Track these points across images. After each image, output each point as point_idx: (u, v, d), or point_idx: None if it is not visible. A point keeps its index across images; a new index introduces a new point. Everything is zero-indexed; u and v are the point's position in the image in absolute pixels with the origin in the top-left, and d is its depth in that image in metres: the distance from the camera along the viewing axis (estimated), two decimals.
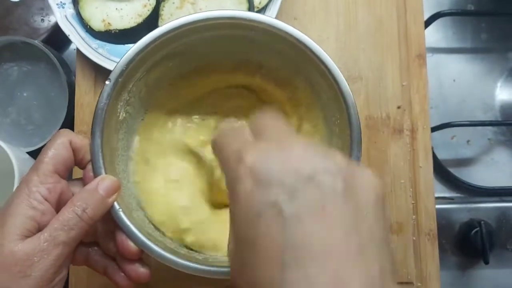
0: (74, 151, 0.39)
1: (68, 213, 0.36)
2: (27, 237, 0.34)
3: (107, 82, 0.41)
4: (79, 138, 0.40)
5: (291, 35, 0.42)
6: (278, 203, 0.24)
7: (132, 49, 0.41)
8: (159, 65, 0.45)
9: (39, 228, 0.35)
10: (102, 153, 0.40)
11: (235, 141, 0.30)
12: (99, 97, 0.41)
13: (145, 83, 0.46)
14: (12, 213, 0.35)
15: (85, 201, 0.37)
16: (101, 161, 0.40)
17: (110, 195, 0.39)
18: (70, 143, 0.39)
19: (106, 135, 0.41)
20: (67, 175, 0.40)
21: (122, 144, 0.46)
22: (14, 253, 0.33)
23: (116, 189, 0.39)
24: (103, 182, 0.39)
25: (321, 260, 0.23)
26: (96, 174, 0.40)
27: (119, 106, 0.44)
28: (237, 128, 0.32)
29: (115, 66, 0.41)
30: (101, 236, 0.42)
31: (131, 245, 0.39)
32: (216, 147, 0.32)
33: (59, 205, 0.37)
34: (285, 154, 0.26)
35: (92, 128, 0.40)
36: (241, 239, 0.26)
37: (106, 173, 0.40)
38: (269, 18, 0.43)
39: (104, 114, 0.41)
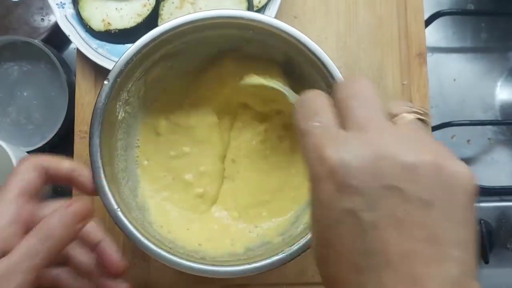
0: (47, 169, 0.37)
1: (32, 239, 0.34)
2: None
3: (105, 82, 0.41)
4: (54, 160, 0.38)
5: (289, 35, 0.42)
6: (358, 212, 0.24)
7: (130, 48, 0.42)
8: (158, 65, 0.45)
9: (3, 254, 0.33)
10: (100, 153, 0.40)
11: (316, 126, 0.27)
12: (97, 97, 0.41)
13: (144, 83, 0.46)
14: None
15: (51, 227, 0.34)
16: (99, 161, 0.40)
17: (79, 221, 0.35)
18: (39, 165, 0.37)
19: (104, 135, 0.41)
20: (39, 196, 0.38)
21: (121, 144, 0.46)
22: None
23: (86, 215, 0.36)
24: (73, 206, 0.35)
25: (395, 265, 0.23)
26: (95, 174, 0.40)
27: (118, 106, 0.44)
28: (319, 106, 0.28)
29: (114, 66, 0.41)
30: (74, 249, 0.39)
31: (118, 259, 0.38)
32: (297, 127, 0.29)
33: (27, 228, 0.35)
34: (368, 153, 0.24)
35: (90, 128, 0.40)
36: (321, 238, 0.26)
37: (105, 174, 0.40)
38: (268, 17, 0.43)
39: (103, 114, 0.41)
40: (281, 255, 0.40)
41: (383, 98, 0.55)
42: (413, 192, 0.24)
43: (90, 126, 0.40)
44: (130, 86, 0.44)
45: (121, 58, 0.41)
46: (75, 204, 0.36)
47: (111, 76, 0.41)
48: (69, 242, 0.35)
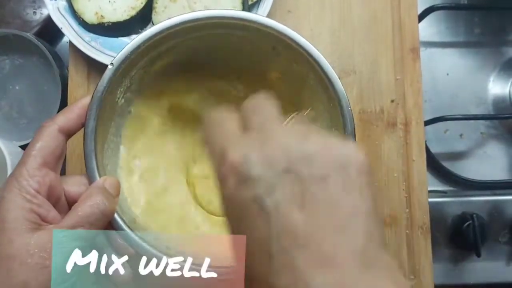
0: (69, 128, 0.38)
1: (89, 208, 0.35)
2: (35, 229, 0.33)
3: (109, 66, 0.41)
4: (68, 115, 0.39)
5: (280, 32, 0.42)
6: (259, 198, 0.25)
7: (141, 35, 0.41)
8: (161, 58, 0.45)
9: (42, 219, 0.34)
10: (95, 137, 0.40)
11: (221, 134, 0.30)
12: (99, 81, 0.40)
13: (147, 73, 0.46)
14: (8, 208, 0.34)
15: (104, 197, 0.36)
16: (93, 144, 0.40)
17: (117, 194, 0.39)
18: (59, 129, 0.38)
19: (101, 118, 0.41)
20: (58, 166, 0.39)
21: (112, 130, 0.46)
22: (28, 245, 0.32)
23: (119, 188, 0.40)
24: (108, 180, 0.39)
25: (303, 243, 0.24)
26: (86, 157, 0.40)
27: (118, 92, 0.43)
28: (224, 118, 0.32)
29: (120, 51, 0.41)
30: None
31: None
32: (204, 140, 0.32)
33: (48, 198, 0.36)
34: (265, 147, 0.27)
35: (87, 111, 0.40)
36: (236, 234, 0.27)
37: (96, 158, 0.40)
38: (257, 16, 0.42)
39: (102, 97, 0.40)
40: None
41: (375, 93, 0.55)
42: (307, 171, 0.25)
43: (88, 108, 0.40)
44: (133, 73, 0.43)
45: (129, 44, 0.41)
46: (108, 179, 0.39)
47: (116, 61, 0.41)
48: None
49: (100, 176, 0.40)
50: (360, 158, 0.26)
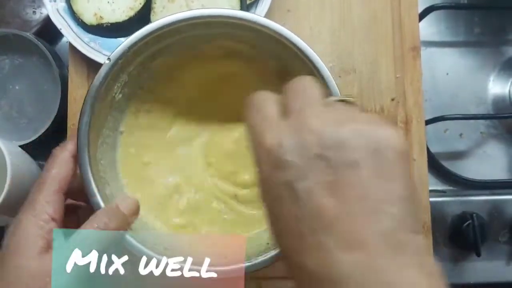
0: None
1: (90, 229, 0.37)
2: (43, 252, 0.35)
3: (106, 62, 0.41)
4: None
5: (275, 32, 0.42)
6: (292, 182, 0.26)
7: (138, 32, 0.41)
8: (161, 54, 0.45)
9: (50, 245, 0.36)
10: (88, 131, 0.40)
11: (260, 118, 0.30)
12: (96, 75, 0.40)
13: (146, 69, 0.46)
14: (22, 234, 0.36)
15: (107, 217, 0.38)
16: (86, 138, 0.40)
17: (131, 215, 0.40)
18: (71, 155, 0.40)
19: (96, 113, 0.41)
20: (68, 187, 0.40)
21: (109, 125, 0.45)
22: (32, 270, 0.34)
23: (137, 210, 0.41)
24: (125, 201, 0.40)
25: (332, 226, 0.25)
26: (80, 151, 0.40)
27: (116, 87, 0.43)
28: (264, 101, 0.32)
29: (117, 48, 0.41)
30: None
31: None
32: (245, 122, 0.32)
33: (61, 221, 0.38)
34: (300, 133, 0.27)
35: (82, 106, 0.40)
36: (270, 215, 0.29)
37: (89, 153, 0.40)
38: (253, 15, 0.42)
39: (98, 93, 0.40)
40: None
41: (375, 92, 0.55)
42: (338, 157, 0.26)
43: (83, 102, 0.40)
44: (131, 69, 0.43)
45: (127, 40, 0.41)
46: (126, 200, 0.41)
47: (113, 56, 0.41)
48: None
49: (91, 170, 0.40)
50: (398, 142, 0.26)
